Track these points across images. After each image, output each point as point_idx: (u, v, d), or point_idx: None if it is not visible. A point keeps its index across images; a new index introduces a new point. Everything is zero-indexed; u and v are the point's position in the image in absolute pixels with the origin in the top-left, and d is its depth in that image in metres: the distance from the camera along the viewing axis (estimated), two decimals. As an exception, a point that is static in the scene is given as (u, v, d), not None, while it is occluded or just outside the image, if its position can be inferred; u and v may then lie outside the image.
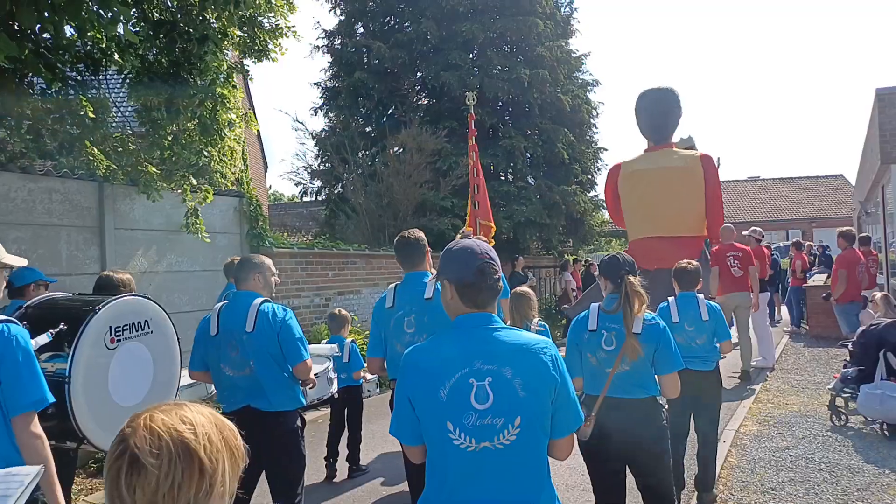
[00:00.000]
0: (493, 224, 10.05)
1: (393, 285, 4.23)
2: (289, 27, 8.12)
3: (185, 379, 4.40)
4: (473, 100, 10.87)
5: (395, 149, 14.96)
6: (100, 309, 2.94)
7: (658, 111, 12.88)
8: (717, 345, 4.99)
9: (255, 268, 4.09)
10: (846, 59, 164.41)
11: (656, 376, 3.61)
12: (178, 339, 3.57)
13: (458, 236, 10.26)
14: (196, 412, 1.20)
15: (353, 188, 14.94)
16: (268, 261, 4.15)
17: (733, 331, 10.02)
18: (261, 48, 8.20)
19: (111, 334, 2.99)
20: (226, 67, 7.14)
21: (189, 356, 4.00)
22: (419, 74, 17.05)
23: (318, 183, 17.58)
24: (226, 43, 7.20)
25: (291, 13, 7.97)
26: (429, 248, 4.26)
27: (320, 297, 10.26)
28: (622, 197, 12.61)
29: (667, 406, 3.80)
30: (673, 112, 12.81)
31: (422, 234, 4.23)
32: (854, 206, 21.23)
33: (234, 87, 7.52)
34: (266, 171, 28.40)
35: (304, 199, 18.40)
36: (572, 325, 3.81)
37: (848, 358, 7.16)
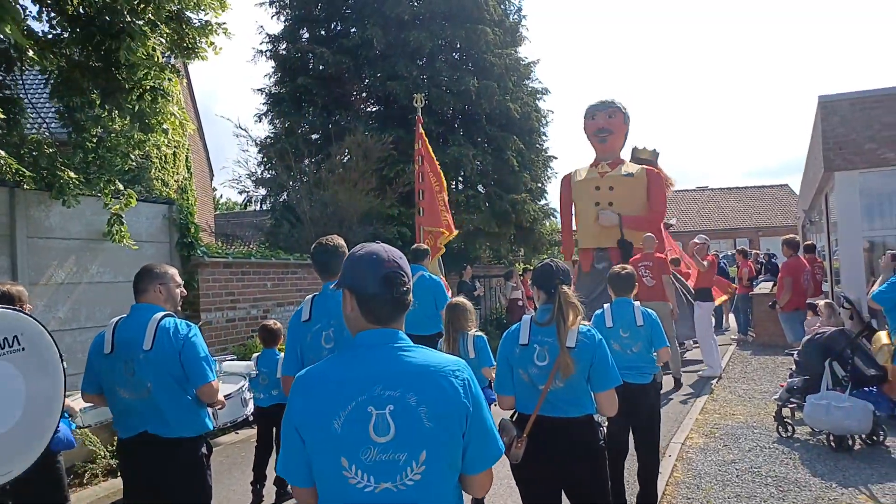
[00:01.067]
0: (443, 230, 9.75)
1: (310, 296, 3.88)
2: (219, 24, 7.72)
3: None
4: (421, 102, 10.59)
5: (341, 156, 14.58)
6: (-53, 325, 2.54)
7: None
8: (655, 353, 4.79)
9: (158, 278, 3.73)
10: (792, 67, 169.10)
11: (592, 393, 3.36)
12: (61, 356, 3.17)
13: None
14: None
15: (298, 196, 14.51)
16: (172, 270, 3.78)
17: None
18: (190, 46, 7.79)
19: (-34, 354, 2.60)
20: (154, 61, 6.69)
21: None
22: (366, 81, 16.72)
23: (262, 191, 17.08)
24: (153, 37, 6.77)
25: (223, 10, 7.58)
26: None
27: (258, 309, 9.82)
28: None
29: (605, 425, 3.54)
30: None
31: (341, 241, 3.88)
32: (798, 215, 21.54)
33: (169, 79, 7.08)
34: (212, 179, 27.71)
35: (249, 207, 17.86)
36: (503, 339, 3.53)
37: (793, 367, 7.04)
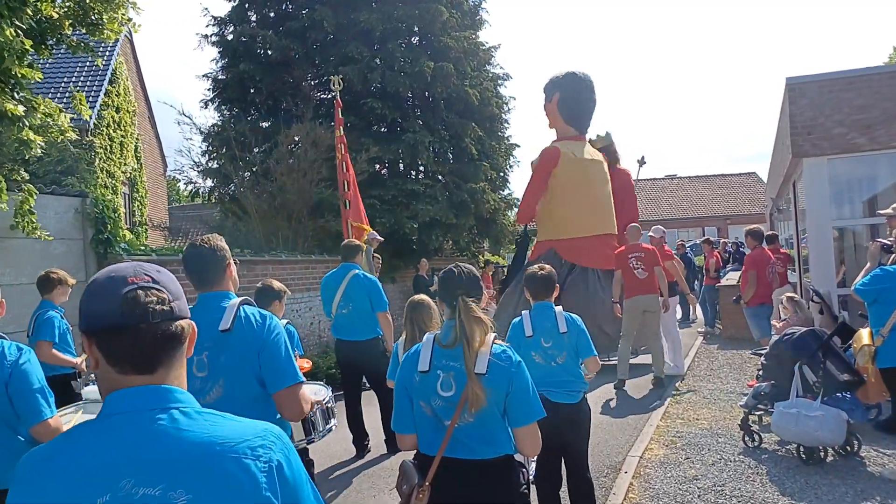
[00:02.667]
0: (365, 226, 9.08)
1: None
2: (126, -3, 6.96)
3: None
4: (340, 84, 9.90)
5: (289, 145, 13.79)
6: None
7: (593, 100, 12.15)
8: (582, 364, 4.16)
9: None
10: (762, 52, 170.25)
11: (511, 429, 2.70)
12: None
13: (364, 242, 9.25)
14: None
15: (244, 188, 13.73)
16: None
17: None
18: (95, 22, 7.01)
19: None
20: (19, 44, 5.83)
21: None
22: (318, 66, 15.90)
23: (209, 182, 16.22)
24: (27, 11, 5.95)
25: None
26: (232, 260, 3.18)
27: (188, 311, 9.04)
28: (563, 185, 11.61)
29: (530, 465, 2.89)
30: (596, 102, 12.23)
31: (221, 243, 3.13)
32: (766, 203, 21.17)
33: (31, 65, 6.24)
34: (165, 171, 26.67)
35: (196, 200, 16.98)
36: (402, 364, 2.86)
37: (760, 370, 6.47)
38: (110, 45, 20.55)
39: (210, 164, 15.51)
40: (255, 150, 14.91)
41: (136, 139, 21.62)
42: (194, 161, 15.08)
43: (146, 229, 20.64)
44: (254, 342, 2.90)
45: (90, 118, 8.70)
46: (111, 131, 19.49)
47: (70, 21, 6.89)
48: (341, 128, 9.47)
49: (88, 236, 7.97)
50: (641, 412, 7.73)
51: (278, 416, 2.94)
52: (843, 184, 9.52)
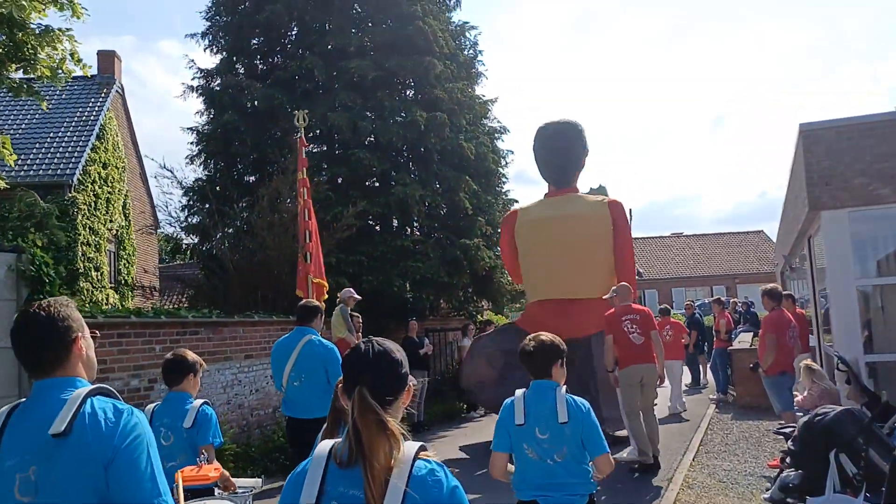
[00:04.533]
0: (325, 282, 8.26)
1: (6, 408, 2.23)
2: (63, 30, 6.26)
3: None
4: (304, 120, 9.20)
5: (273, 199, 13.06)
6: None
7: (556, 147, 11.14)
8: (591, 463, 3.31)
9: None
10: (773, 102, 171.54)
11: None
12: None
13: (338, 300, 8.40)
14: None
15: (222, 245, 12.97)
16: None
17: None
18: (29, 57, 6.31)
19: None
20: None
21: None
22: (306, 116, 15.35)
23: (193, 239, 15.47)
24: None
25: (61, 12, 6.13)
26: (82, 333, 2.27)
27: (140, 379, 8.09)
28: (520, 250, 10.94)
29: None
30: (573, 149, 11.12)
31: (67, 310, 2.20)
32: (777, 262, 20.28)
33: None
34: (157, 227, 26.00)
35: (178, 258, 16.24)
36: (284, 488, 1.97)
37: (786, 454, 5.49)
38: (100, 100, 20.30)
39: (191, 220, 14.78)
40: (241, 203, 14.22)
41: (125, 195, 21.05)
42: (172, 216, 14.35)
43: (132, 289, 19.83)
44: (99, 450, 1.99)
45: (15, 162, 7.92)
46: (97, 187, 18.94)
47: (-1, 58, 6.21)
48: (304, 169, 8.71)
49: (23, 297, 7.12)
50: (644, 501, 6.71)
51: None
52: (867, 239, 8.67)
